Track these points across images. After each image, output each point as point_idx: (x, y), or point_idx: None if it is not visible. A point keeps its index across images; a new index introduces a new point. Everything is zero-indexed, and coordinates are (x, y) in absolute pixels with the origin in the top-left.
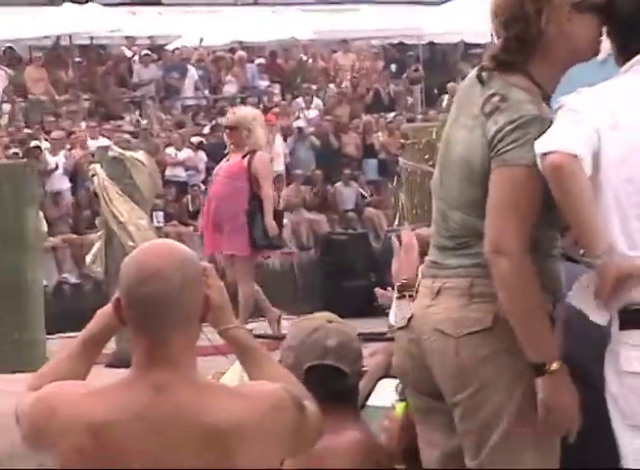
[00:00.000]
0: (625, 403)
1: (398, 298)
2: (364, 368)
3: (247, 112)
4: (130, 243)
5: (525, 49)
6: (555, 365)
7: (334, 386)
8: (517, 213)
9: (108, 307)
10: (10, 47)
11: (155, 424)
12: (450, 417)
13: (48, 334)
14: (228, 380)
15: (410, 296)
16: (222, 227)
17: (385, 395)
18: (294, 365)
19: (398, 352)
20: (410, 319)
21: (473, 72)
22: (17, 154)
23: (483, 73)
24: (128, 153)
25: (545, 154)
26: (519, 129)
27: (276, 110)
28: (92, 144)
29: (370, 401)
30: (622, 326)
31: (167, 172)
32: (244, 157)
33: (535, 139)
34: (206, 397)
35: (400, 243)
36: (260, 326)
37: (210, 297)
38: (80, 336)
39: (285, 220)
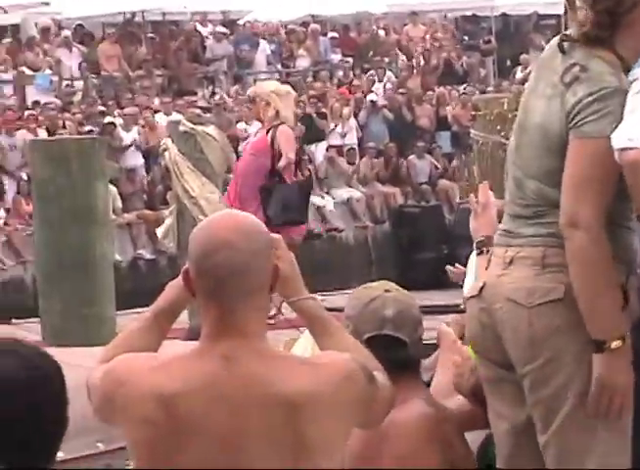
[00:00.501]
0: None
1: (478, 254)
2: (433, 341)
3: (266, 84)
4: (202, 217)
5: (616, 22)
6: (616, 343)
7: (394, 355)
8: (594, 187)
9: (178, 280)
10: (80, 24)
11: (225, 395)
12: (520, 389)
13: (123, 309)
14: (301, 348)
15: (488, 251)
16: (246, 206)
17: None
18: (353, 335)
19: (470, 321)
20: (482, 288)
21: (554, 41)
22: (91, 131)
23: (565, 43)
24: (199, 127)
25: (623, 149)
26: (598, 102)
27: (350, 83)
28: (165, 119)
29: None
30: None
31: (240, 147)
32: (267, 132)
33: (615, 112)
34: (277, 367)
35: (477, 201)
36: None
37: (280, 267)
38: (151, 308)
39: (359, 194)
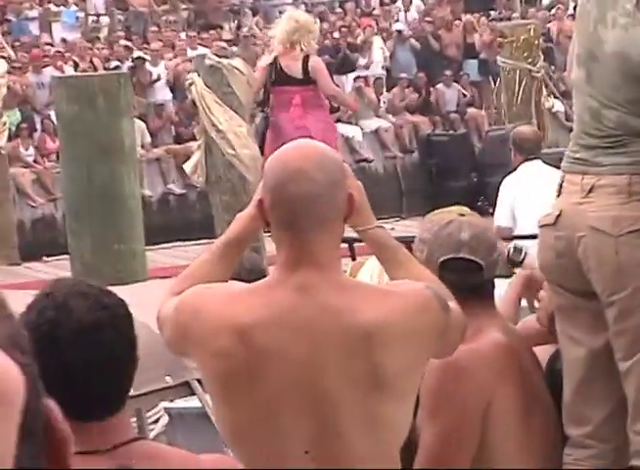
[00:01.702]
0: None
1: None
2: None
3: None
4: (230, 151)
5: None
6: None
7: (469, 279)
8: None
9: (246, 211)
10: None
11: (301, 325)
12: (595, 316)
13: (153, 244)
14: (367, 274)
15: None
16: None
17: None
18: (427, 259)
19: (543, 250)
20: (558, 216)
21: None
22: (118, 67)
23: None
24: (225, 61)
25: None
26: None
27: (375, 13)
28: (192, 54)
29: None
30: None
31: None
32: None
33: None
34: (352, 296)
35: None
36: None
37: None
38: (221, 239)
39: (387, 124)
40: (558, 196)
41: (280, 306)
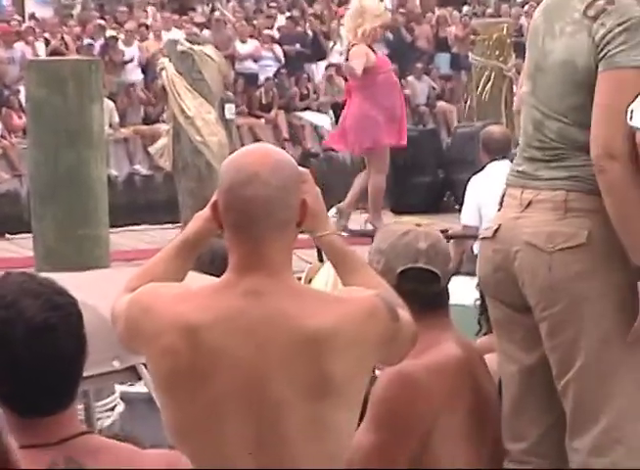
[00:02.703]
0: None
1: None
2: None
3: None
4: (198, 137)
5: None
6: None
7: (427, 289)
8: (625, 117)
9: (205, 211)
10: None
11: (249, 328)
12: (530, 331)
13: (119, 226)
14: (322, 281)
15: None
16: None
17: (458, 292)
18: (384, 269)
19: (481, 263)
20: (497, 230)
21: None
22: (91, 45)
23: None
24: (197, 47)
25: (637, 128)
26: (628, 31)
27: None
28: (164, 36)
29: None
30: None
31: (237, 65)
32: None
33: None
34: (301, 302)
35: None
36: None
37: (308, 202)
38: (177, 238)
39: None
40: (499, 210)
41: (229, 309)
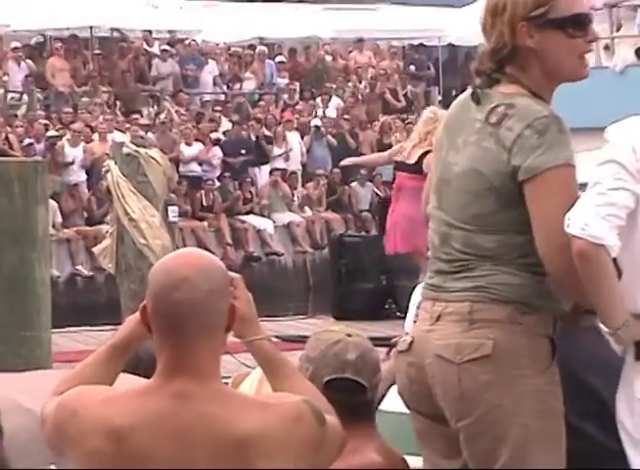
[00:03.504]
0: (635, 430)
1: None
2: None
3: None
4: (142, 240)
5: (500, 61)
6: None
7: (352, 399)
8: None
9: (136, 315)
10: (29, 37)
11: (175, 432)
12: (450, 440)
13: (60, 327)
14: (247, 385)
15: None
16: None
17: (394, 400)
18: (312, 377)
19: (398, 376)
20: (411, 343)
21: (460, 99)
22: (32, 144)
23: (476, 93)
24: (143, 150)
25: (574, 236)
26: (539, 133)
27: (295, 107)
28: (109, 137)
29: (381, 406)
30: (638, 357)
31: (181, 168)
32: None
33: (557, 141)
34: (228, 406)
35: None
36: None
37: (237, 307)
38: (108, 342)
39: (299, 219)
40: (414, 322)
41: (155, 412)
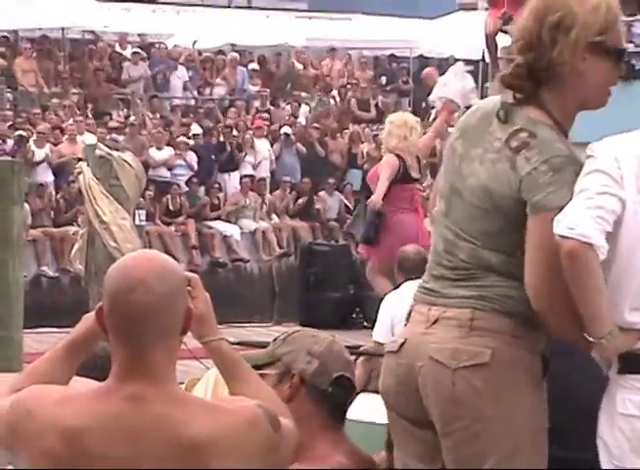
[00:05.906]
0: (614, 445)
1: None
2: None
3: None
4: (112, 243)
5: (534, 78)
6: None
7: (348, 399)
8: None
9: (91, 314)
10: (4, 36)
11: (128, 434)
12: (428, 445)
13: (24, 328)
14: (202, 388)
15: None
16: None
17: (362, 409)
18: (319, 371)
19: (384, 375)
20: (402, 344)
21: (481, 106)
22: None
23: (501, 111)
24: (116, 153)
25: (562, 236)
26: (554, 171)
27: (266, 114)
28: (79, 139)
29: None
30: (621, 370)
31: (150, 172)
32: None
33: (571, 182)
34: (182, 409)
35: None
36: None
37: (194, 308)
38: (64, 340)
39: (267, 225)
40: (405, 325)
41: (108, 414)
